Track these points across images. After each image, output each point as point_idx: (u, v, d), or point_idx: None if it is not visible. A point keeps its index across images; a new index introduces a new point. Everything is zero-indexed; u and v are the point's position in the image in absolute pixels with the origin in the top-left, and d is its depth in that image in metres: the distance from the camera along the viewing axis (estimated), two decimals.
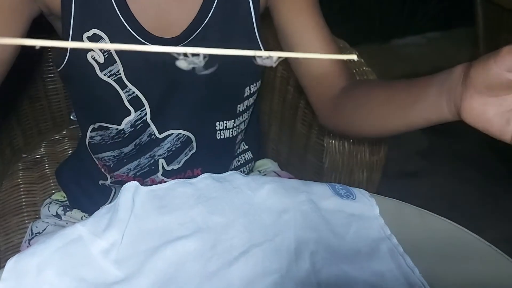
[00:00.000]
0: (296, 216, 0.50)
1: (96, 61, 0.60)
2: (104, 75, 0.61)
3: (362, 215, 0.51)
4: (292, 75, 0.93)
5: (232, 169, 0.78)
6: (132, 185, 0.51)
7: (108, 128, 0.67)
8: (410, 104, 0.52)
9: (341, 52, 0.79)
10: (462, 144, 1.80)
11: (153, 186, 0.53)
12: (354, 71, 0.80)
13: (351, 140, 0.80)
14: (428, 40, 2.48)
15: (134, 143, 0.68)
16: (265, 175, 0.80)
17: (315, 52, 0.65)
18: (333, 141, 0.82)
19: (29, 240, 0.71)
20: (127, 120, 0.65)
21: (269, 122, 1.00)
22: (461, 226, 0.52)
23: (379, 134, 0.67)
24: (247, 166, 0.80)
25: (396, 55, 2.38)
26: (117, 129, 0.66)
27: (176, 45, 0.61)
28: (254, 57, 0.23)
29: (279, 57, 0.23)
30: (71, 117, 0.98)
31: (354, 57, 0.26)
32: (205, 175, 0.56)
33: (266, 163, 0.84)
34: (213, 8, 0.61)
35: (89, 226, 0.47)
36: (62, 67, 0.62)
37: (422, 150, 1.82)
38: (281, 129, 0.98)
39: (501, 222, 1.50)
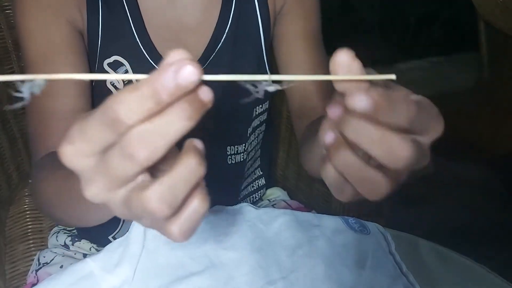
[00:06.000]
0: (310, 252, 0.49)
1: (115, 87, 0.61)
2: None
3: (377, 251, 0.50)
4: None
5: (245, 195, 0.77)
6: None
7: None
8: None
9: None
10: (468, 170, 1.78)
11: None
12: None
13: None
14: (431, 65, 2.49)
15: None
16: (274, 204, 0.79)
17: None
18: None
19: (36, 270, 0.69)
20: None
21: (277, 148, 0.99)
22: (468, 253, 0.51)
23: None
24: (259, 192, 0.80)
25: (399, 79, 2.38)
26: None
27: None
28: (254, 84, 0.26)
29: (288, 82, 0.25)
30: None
31: (392, 76, 0.26)
32: (216, 207, 0.55)
33: (276, 192, 0.83)
34: (225, 33, 0.62)
35: (100, 261, 0.46)
36: None
37: (428, 175, 1.81)
38: (288, 156, 0.98)
39: (509, 248, 1.47)
